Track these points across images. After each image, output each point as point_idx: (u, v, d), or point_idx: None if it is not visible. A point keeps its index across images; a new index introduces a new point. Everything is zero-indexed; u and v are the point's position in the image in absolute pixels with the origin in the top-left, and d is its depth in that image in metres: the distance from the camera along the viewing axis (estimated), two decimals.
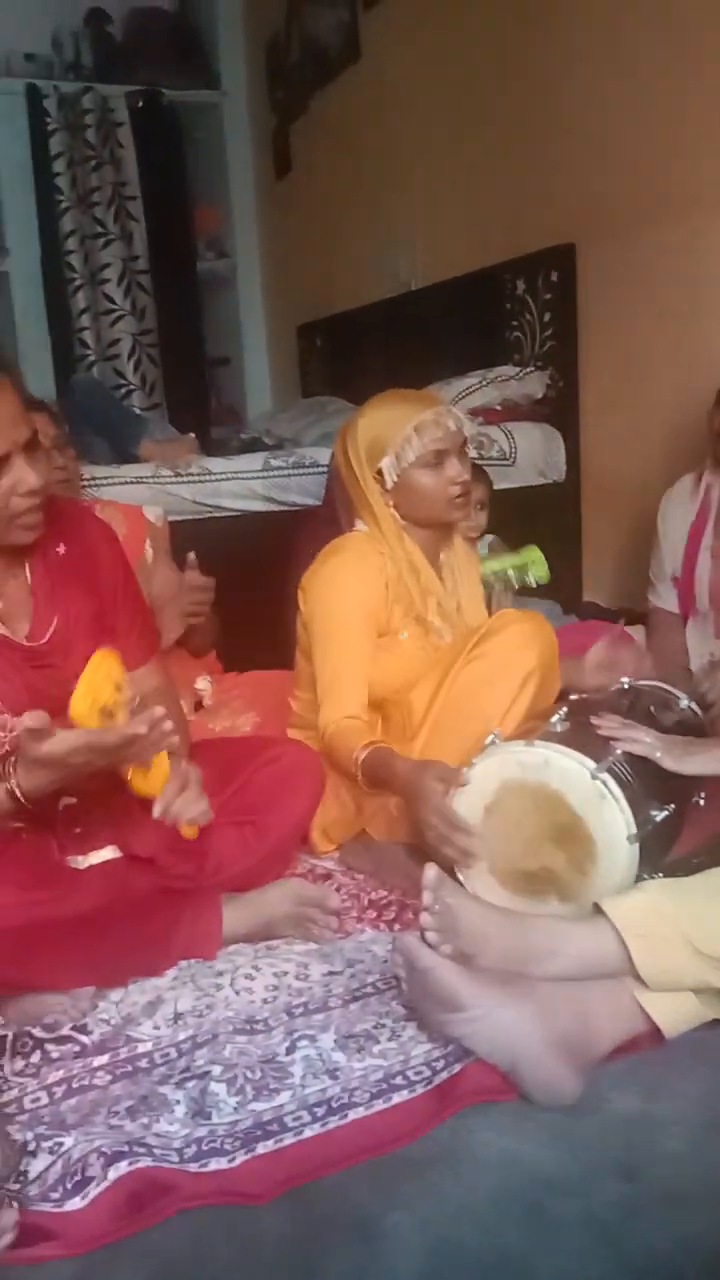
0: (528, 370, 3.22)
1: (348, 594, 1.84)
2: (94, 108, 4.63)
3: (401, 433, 1.81)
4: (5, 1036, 1.39)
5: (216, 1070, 1.28)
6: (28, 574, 1.54)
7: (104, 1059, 1.34)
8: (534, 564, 2.45)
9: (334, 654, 1.83)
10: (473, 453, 2.33)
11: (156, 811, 1.39)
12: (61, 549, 1.58)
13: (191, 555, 2.22)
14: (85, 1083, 1.30)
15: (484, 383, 3.18)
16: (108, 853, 1.54)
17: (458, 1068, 1.24)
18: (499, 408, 3.20)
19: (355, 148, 4.18)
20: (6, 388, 1.43)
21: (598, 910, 1.29)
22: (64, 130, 4.58)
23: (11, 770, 1.37)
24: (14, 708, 1.45)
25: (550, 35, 3.06)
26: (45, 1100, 1.28)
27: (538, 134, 3.17)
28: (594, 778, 1.43)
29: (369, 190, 4.12)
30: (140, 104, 4.73)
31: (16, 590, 1.54)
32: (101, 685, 1.32)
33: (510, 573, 2.42)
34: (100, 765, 1.37)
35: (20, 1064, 1.34)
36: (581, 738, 1.51)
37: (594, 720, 1.54)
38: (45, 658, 1.51)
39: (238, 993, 1.46)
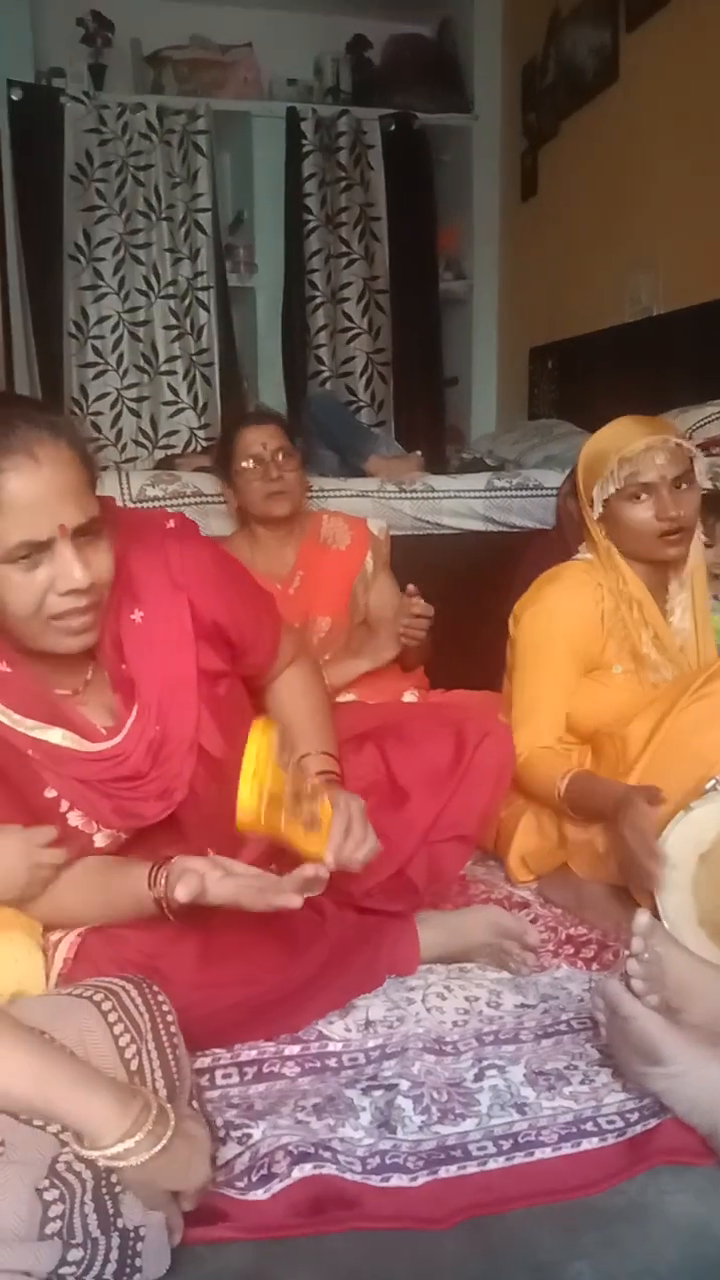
0: None
1: (557, 623, 1.82)
2: (348, 130, 4.76)
3: (609, 462, 1.76)
4: None
5: (404, 1085, 1.27)
6: (104, 672, 1.31)
7: (295, 1049, 1.37)
8: None
9: (534, 682, 1.82)
10: (707, 484, 2.24)
11: (329, 860, 1.26)
12: (138, 616, 1.30)
13: (411, 586, 2.26)
14: (275, 1069, 1.33)
15: None
16: None
17: (653, 1123, 1.19)
18: None
19: (603, 171, 4.12)
20: (60, 453, 1.14)
21: None
22: (318, 152, 4.74)
23: (162, 881, 1.24)
24: (104, 822, 1.31)
25: None
26: (236, 1079, 1.31)
27: None
28: None
29: (614, 213, 4.05)
30: (393, 127, 4.84)
31: (93, 689, 1.31)
32: (264, 770, 1.22)
33: None
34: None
35: None
36: None
37: None
38: (119, 762, 1.29)
39: (429, 1010, 1.46)
